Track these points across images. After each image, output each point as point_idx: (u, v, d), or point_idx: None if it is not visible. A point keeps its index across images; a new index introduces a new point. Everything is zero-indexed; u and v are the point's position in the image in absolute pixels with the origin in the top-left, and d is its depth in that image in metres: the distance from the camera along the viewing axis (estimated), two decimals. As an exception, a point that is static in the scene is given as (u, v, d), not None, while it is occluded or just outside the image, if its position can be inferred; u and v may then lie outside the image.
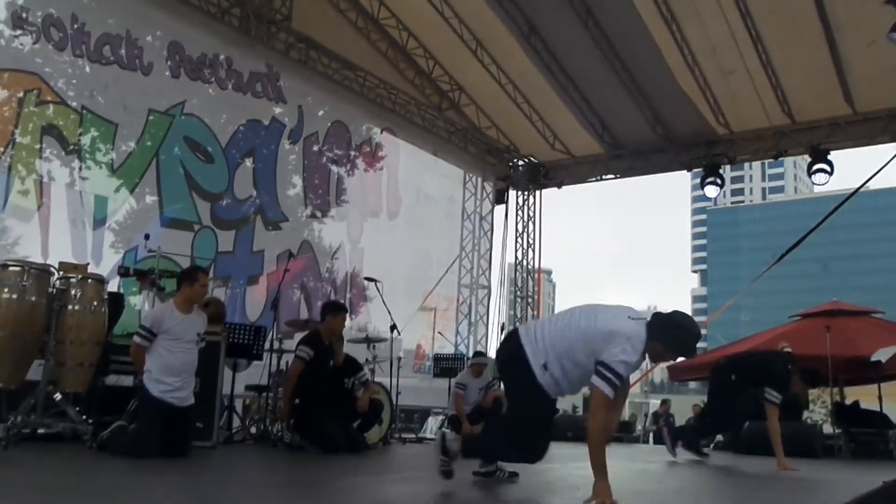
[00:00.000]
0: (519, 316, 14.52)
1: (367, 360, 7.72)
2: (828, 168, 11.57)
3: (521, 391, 4.00)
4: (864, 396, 11.45)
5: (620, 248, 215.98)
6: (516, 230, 14.39)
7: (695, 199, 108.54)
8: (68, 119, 7.67)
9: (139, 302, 7.39)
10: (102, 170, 7.92)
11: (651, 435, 17.06)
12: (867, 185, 13.04)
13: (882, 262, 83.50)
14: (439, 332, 12.10)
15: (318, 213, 10.52)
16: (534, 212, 14.43)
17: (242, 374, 7.41)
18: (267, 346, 7.20)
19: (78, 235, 7.57)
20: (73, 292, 5.38)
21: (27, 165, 7.27)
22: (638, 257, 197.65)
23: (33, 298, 5.16)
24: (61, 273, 5.48)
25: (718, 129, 12.16)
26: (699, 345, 4.11)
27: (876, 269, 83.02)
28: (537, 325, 4.07)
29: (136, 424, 5.12)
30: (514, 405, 4.13)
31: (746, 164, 74.79)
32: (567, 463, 5.87)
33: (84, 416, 5.34)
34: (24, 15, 7.30)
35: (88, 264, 6.40)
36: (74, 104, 7.74)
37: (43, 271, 5.33)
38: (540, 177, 14.24)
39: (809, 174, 11.97)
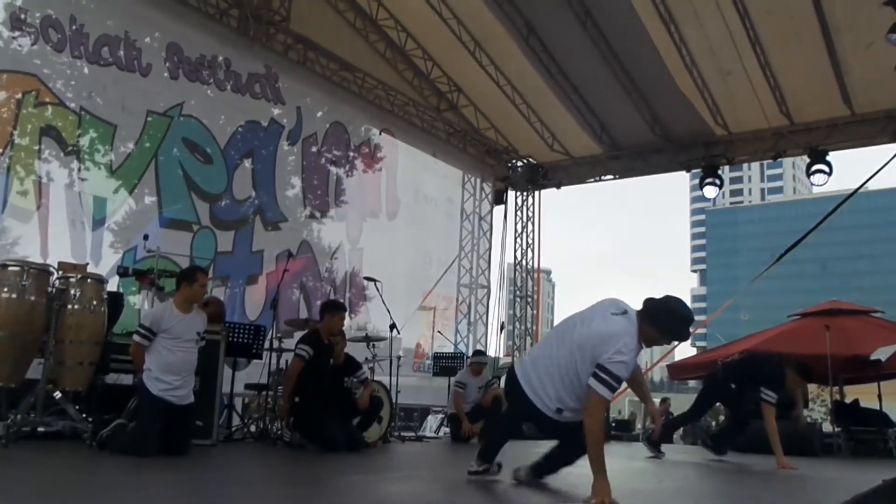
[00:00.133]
0: (518, 315, 14.53)
1: (366, 358, 7.74)
2: (826, 169, 11.59)
3: (545, 426, 4.06)
4: (863, 395, 11.45)
5: (619, 249, 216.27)
6: (515, 230, 14.44)
7: (694, 200, 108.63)
8: (67, 120, 7.68)
9: (138, 302, 7.39)
10: (101, 171, 7.93)
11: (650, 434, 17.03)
12: (866, 185, 13.08)
13: (881, 262, 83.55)
14: (439, 332, 12.12)
15: (317, 214, 10.54)
16: (533, 212, 14.45)
17: (242, 372, 7.42)
18: (266, 345, 7.21)
19: (77, 236, 7.58)
20: (72, 292, 5.39)
21: (26, 166, 7.28)
22: (637, 257, 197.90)
23: (33, 298, 5.16)
24: (61, 273, 5.49)
25: (717, 130, 12.17)
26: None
27: (875, 269, 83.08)
28: (533, 365, 3.99)
29: (135, 423, 5.13)
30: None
31: (745, 165, 74.94)
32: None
33: (84, 415, 5.34)
34: (22, 16, 7.31)
35: (88, 264, 6.41)
36: (73, 105, 7.75)
37: (42, 271, 5.34)
38: (539, 177, 14.25)
39: (808, 175, 11.99)
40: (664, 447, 8.01)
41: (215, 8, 9.20)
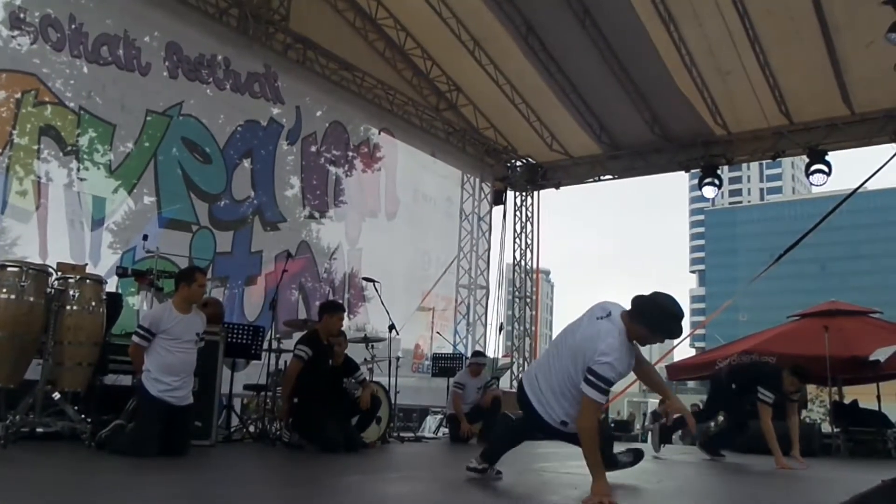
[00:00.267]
0: (517, 316, 14.54)
1: (365, 359, 7.73)
2: (826, 168, 11.59)
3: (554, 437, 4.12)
4: (862, 396, 11.46)
5: (618, 249, 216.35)
6: (514, 230, 14.44)
7: (693, 200, 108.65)
8: (66, 120, 7.67)
9: (137, 302, 7.38)
10: (100, 170, 7.92)
11: (650, 434, 17.06)
12: (865, 185, 13.08)
13: (880, 262, 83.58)
14: (437, 332, 12.11)
15: (317, 214, 10.53)
16: (532, 212, 14.46)
17: (241, 373, 7.40)
18: (265, 345, 7.20)
19: (76, 236, 7.57)
20: (71, 293, 5.37)
21: (25, 166, 7.26)
22: (636, 258, 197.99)
23: (31, 299, 5.15)
24: (59, 273, 5.47)
25: (716, 130, 12.18)
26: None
27: (874, 269, 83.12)
28: (537, 377, 4.05)
29: (134, 423, 5.12)
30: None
31: (744, 165, 74.92)
32: (565, 462, 5.87)
33: (83, 416, 5.33)
34: (21, 15, 7.30)
35: (87, 265, 6.40)
36: (72, 105, 7.74)
37: (41, 272, 5.32)
38: (538, 177, 14.27)
39: (807, 175, 12.00)
40: (664, 448, 8.00)
41: (214, 7, 9.19)
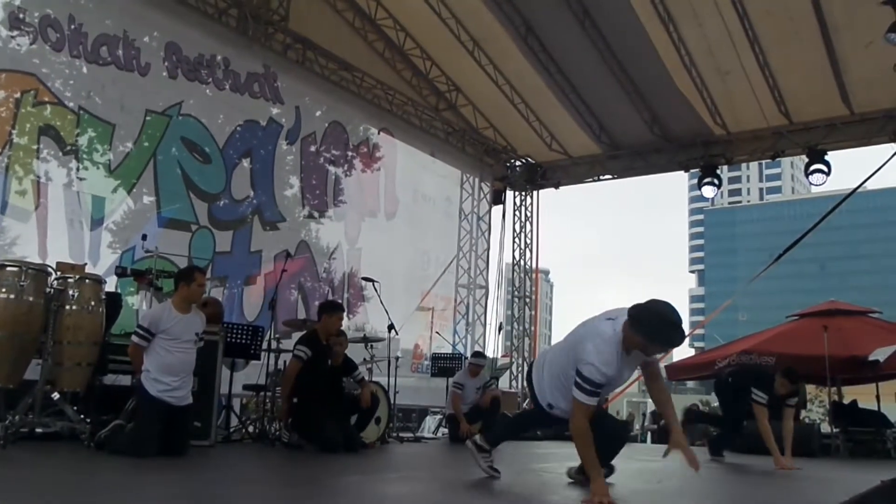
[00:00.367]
0: (517, 316, 14.53)
1: (364, 359, 7.73)
2: (825, 168, 11.59)
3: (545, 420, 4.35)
4: (861, 396, 11.47)
5: (618, 249, 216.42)
6: (514, 230, 14.44)
7: (692, 200, 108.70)
8: (65, 119, 7.66)
9: (137, 302, 7.38)
10: (100, 170, 7.91)
11: (649, 434, 17.08)
12: (864, 185, 13.08)
13: (879, 262, 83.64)
14: (437, 332, 12.11)
15: (316, 214, 10.52)
16: (531, 212, 14.45)
17: (240, 373, 7.40)
18: (264, 345, 7.20)
19: (75, 236, 7.57)
20: (70, 292, 5.37)
21: (24, 166, 7.26)
22: (635, 257, 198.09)
23: (31, 298, 5.15)
24: (59, 273, 5.47)
25: (715, 130, 12.17)
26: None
27: (873, 269, 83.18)
28: (543, 363, 4.30)
29: (134, 424, 5.11)
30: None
31: (744, 165, 75.04)
32: (564, 462, 5.86)
33: (82, 416, 5.33)
34: (21, 15, 7.30)
35: (86, 264, 6.41)
36: (71, 105, 7.74)
37: (40, 271, 5.32)
38: (537, 177, 14.26)
39: (807, 174, 11.99)
40: (662, 447, 8.00)
41: (214, 7, 9.19)
